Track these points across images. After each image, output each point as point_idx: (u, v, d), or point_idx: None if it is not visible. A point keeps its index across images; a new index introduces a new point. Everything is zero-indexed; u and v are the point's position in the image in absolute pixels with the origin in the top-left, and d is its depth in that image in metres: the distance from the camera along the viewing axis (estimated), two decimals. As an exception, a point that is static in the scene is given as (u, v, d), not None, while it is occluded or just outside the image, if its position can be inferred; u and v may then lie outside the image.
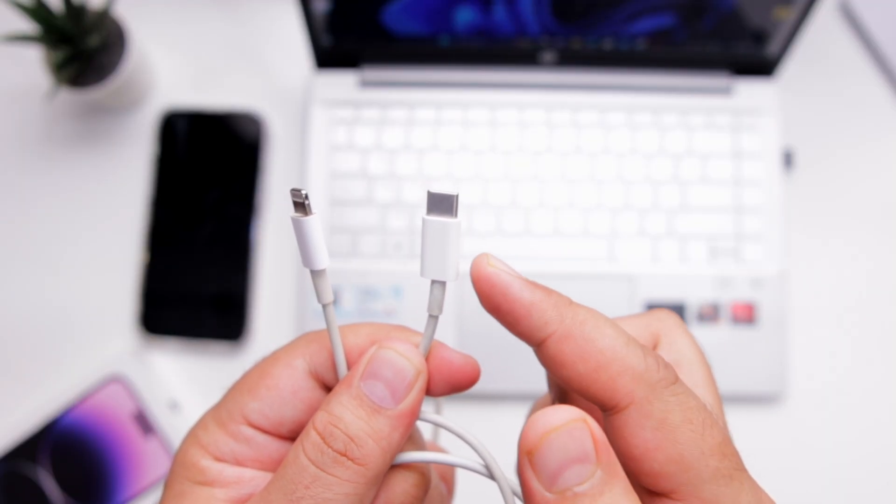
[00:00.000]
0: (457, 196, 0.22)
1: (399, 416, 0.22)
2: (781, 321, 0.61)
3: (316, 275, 0.24)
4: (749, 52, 0.62)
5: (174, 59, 0.67)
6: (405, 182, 0.63)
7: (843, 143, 0.66)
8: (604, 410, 0.22)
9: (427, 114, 0.64)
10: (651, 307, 0.61)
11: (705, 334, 0.60)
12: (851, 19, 0.67)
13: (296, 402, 0.24)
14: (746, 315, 0.61)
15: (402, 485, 0.24)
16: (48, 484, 0.58)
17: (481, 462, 0.24)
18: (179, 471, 0.24)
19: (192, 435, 0.25)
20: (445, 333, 0.60)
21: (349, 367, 0.24)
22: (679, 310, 0.61)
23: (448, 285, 0.23)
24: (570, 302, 0.23)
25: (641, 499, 0.21)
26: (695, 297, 0.61)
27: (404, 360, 0.23)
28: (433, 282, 0.23)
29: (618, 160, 0.63)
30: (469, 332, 0.60)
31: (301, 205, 0.23)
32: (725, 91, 0.64)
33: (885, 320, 0.63)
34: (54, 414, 0.59)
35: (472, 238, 0.62)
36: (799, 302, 0.63)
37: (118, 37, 0.61)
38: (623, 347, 0.22)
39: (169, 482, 0.25)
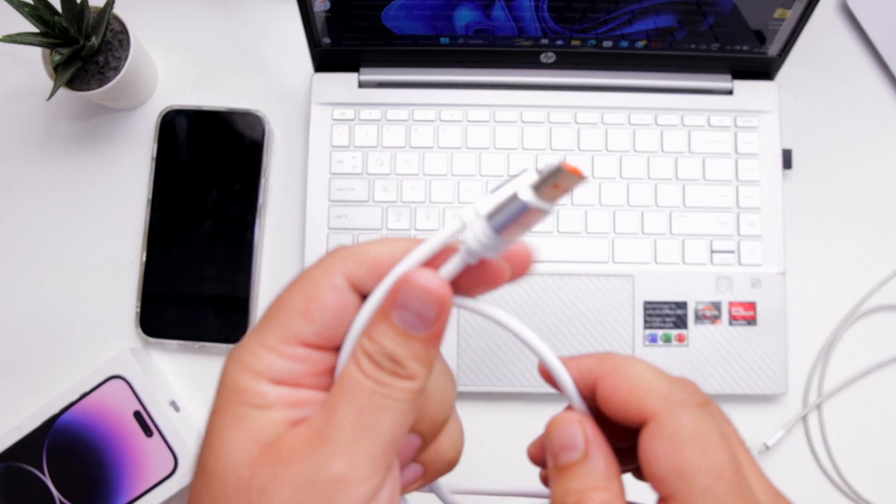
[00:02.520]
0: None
1: (430, 338, 0.26)
2: (781, 321, 0.61)
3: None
4: (749, 53, 0.62)
5: (174, 59, 0.67)
6: (405, 182, 0.63)
7: (842, 143, 0.66)
8: (641, 429, 0.26)
9: (427, 114, 0.64)
10: (651, 306, 0.61)
11: (705, 334, 0.60)
12: (851, 19, 0.67)
13: (347, 317, 0.26)
14: (746, 315, 0.61)
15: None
16: (48, 484, 0.58)
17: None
18: (232, 396, 0.26)
19: (239, 362, 0.26)
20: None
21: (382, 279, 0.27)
22: (679, 309, 0.61)
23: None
24: (611, 354, 0.28)
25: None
26: (695, 297, 0.61)
27: (429, 295, 0.25)
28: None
29: (618, 160, 0.63)
30: (467, 332, 0.60)
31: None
32: (725, 91, 0.64)
33: (885, 320, 0.63)
34: (54, 414, 0.59)
35: (473, 238, 0.62)
36: (799, 302, 0.63)
37: (118, 37, 0.61)
38: (651, 375, 0.27)
39: (221, 408, 0.26)
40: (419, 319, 0.25)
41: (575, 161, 0.22)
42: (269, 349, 0.26)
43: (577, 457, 0.26)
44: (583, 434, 0.27)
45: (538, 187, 0.23)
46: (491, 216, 0.24)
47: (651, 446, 0.25)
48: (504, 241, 0.24)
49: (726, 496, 0.24)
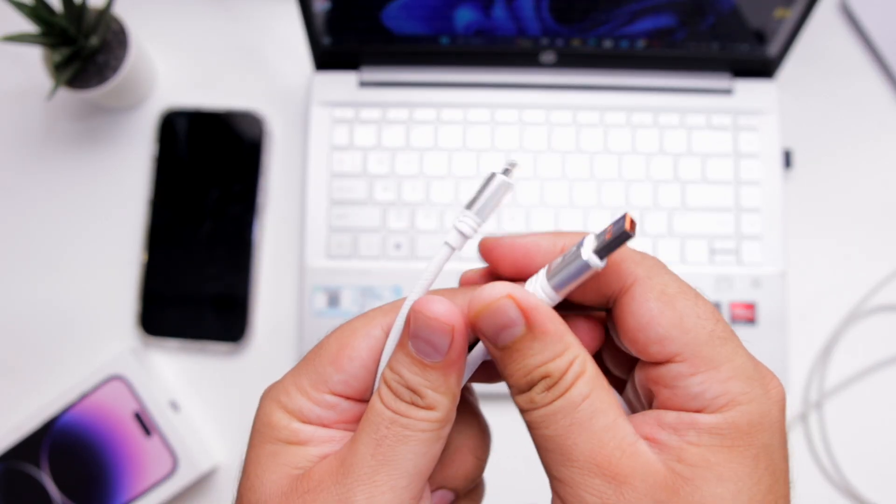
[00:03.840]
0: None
1: (446, 365, 0.25)
2: (781, 321, 0.61)
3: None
4: (749, 53, 0.62)
5: (174, 59, 0.67)
6: (405, 182, 0.63)
7: (842, 143, 0.66)
8: (617, 298, 0.26)
9: (427, 114, 0.64)
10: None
11: (705, 334, 0.60)
12: (851, 19, 0.67)
13: (378, 368, 0.27)
14: (746, 315, 0.61)
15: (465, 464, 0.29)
16: (48, 484, 0.58)
17: None
18: (267, 432, 0.26)
19: (274, 399, 0.27)
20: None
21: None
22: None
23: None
24: (562, 234, 0.28)
25: (648, 373, 0.25)
26: (695, 297, 0.61)
27: (436, 322, 0.25)
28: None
29: (618, 160, 0.63)
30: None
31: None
32: (726, 91, 0.64)
33: (885, 320, 0.63)
34: (54, 414, 0.59)
35: (474, 236, 0.62)
36: (799, 302, 0.63)
37: (118, 37, 0.61)
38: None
39: (256, 442, 0.27)
40: (432, 347, 0.25)
41: (633, 215, 0.23)
42: (302, 392, 0.26)
43: (520, 331, 0.24)
44: (515, 305, 0.24)
45: (601, 251, 0.24)
46: (551, 276, 0.25)
47: (644, 308, 0.24)
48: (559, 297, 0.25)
49: (728, 334, 0.24)
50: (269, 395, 0.27)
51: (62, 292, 0.64)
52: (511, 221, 0.62)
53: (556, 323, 0.24)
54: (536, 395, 0.24)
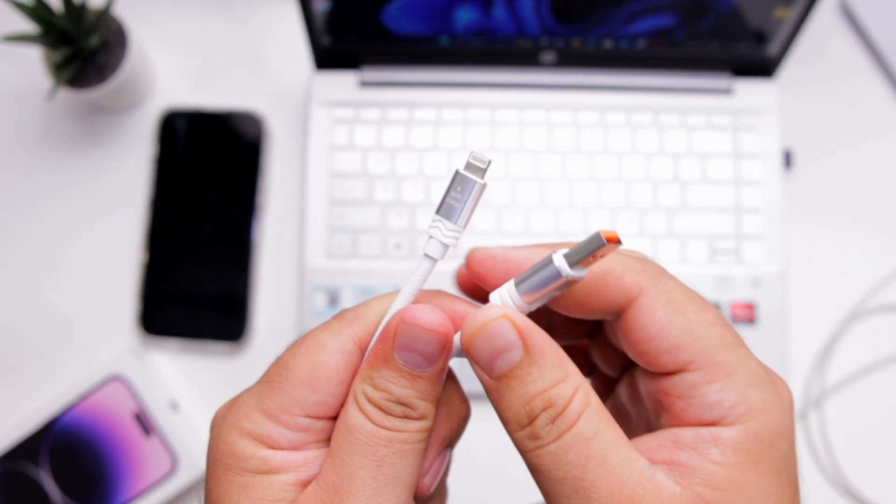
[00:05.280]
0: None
1: (437, 374, 0.25)
2: (781, 321, 0.61)
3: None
4: (749, 53, 0.62)
5: (174, 59, 0.67)
6: (405, 182, 0.63)
7: (843, 143, 0.66)
8: (622, 311, 0.25)
9: (427, 114, 0.64)
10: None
11: (705, 334, 0.60)
12: (851, 19, 0.67)
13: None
14: (746, 315, 0.61)
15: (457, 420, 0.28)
16: (48, 484, 0.58)
17: None
18: (233, 463, 0.25)
19: (235, 426, 0.25)
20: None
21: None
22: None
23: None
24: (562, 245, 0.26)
25: (660, 384, 0.24)
26: (695, 297, 0.61)
27: (432, 333, 0.24)
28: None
29: (618, 160, 0.63)
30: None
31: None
32: (725, 91, 0.64)
33: (885, 320, 0.63)
34: (54, 414, 0.59)
35: (473, 237, 0.62)
36: (799, 302, 0.63)
37: (118, 37, 0.61)
38: (617, 256, 0.25)
39: (221, 475, 0.25)
40: (424, 358, 0.24)
41: (610, 227, 0.22)
42: (270, 417, 0.25)
43: (517, 357, 0.23)
44: (513, 327, 0.23)
45: (573, 259, 0.23)
46: (519, 282, 0.24)
47: (652, 319, 0.23)
48: (528, 305, 0.24)
49: (737, 338, 0.24)
50: (228, 422, 0.25)
51: (62, 292, 0.64)
52: (511, 222, 0.62)
53: (553, 347, 0.23)
54: (541, 428, 0.22)
